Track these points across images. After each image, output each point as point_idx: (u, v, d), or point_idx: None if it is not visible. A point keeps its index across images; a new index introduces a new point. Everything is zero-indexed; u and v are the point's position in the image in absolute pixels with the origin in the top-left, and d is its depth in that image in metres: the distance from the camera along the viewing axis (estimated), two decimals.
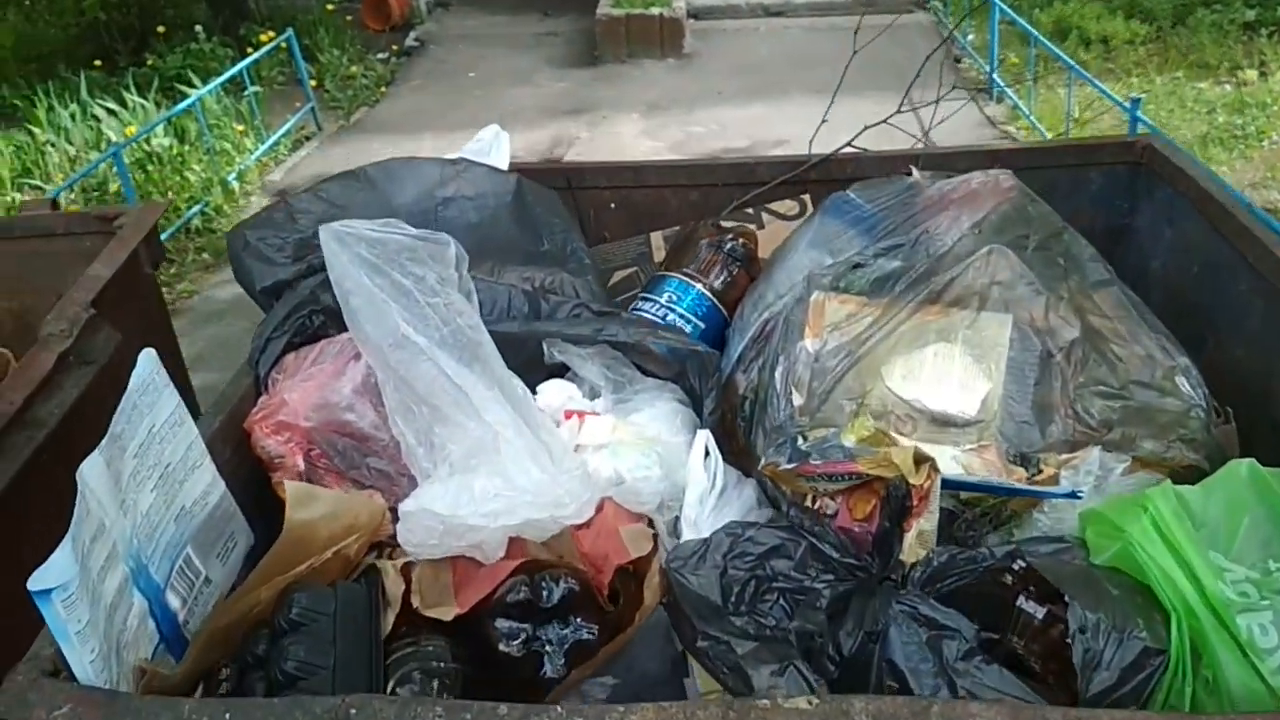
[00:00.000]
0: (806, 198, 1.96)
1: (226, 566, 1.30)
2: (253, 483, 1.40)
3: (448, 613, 1.16)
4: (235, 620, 1.17)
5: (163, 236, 5.50)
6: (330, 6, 9.04)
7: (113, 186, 5.76)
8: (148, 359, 1.17)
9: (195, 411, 2.14)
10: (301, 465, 1.35)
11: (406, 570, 1.17)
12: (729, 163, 2.09)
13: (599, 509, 1.30)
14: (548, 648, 1.14)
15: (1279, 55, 7.53)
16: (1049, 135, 6.36)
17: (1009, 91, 7.11)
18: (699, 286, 1.68)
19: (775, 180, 2.02)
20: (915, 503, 1.24)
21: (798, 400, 1.34)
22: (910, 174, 1.66)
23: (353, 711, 0.93)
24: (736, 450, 1.50)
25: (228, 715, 0.94)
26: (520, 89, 8.14)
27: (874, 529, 1.26)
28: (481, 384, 1.25)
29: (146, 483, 1.16)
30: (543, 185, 2.04)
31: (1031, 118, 6.61)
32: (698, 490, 1.39)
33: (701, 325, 1.67)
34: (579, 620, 1.16)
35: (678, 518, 1.39)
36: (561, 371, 1.55)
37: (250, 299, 1.72)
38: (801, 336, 1.41)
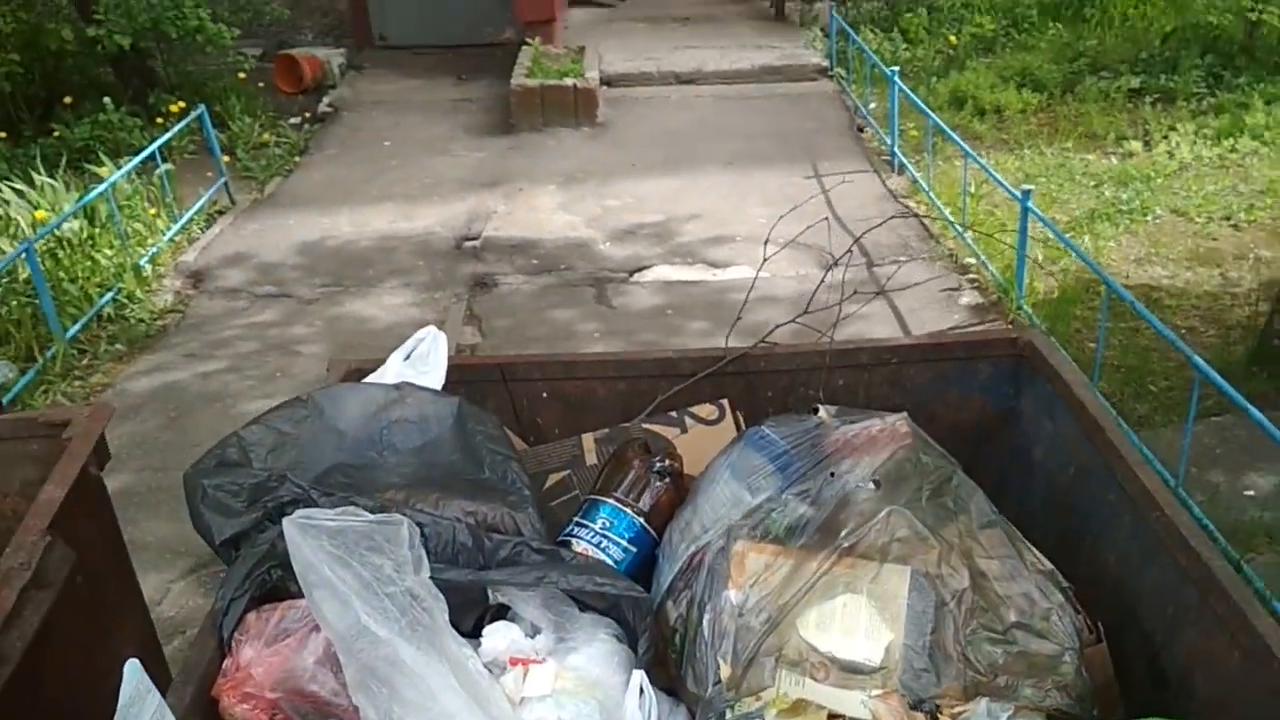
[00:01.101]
0: (725, 403, 2.13)
1: None
2: None
3: None
4: None
5: (74, 328, 5.50)
6: (241, 75, 9.01)
7: (22, 274, 5.70)
8: (133, 671, 1.27)
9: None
10: None
11: None
12: (653, 358, 2.25)
13: None
14: None
15: (1161, 125, 8.00)
16: (946, 210, 6.69)
17: (909, 165, 7.43)
18: (630, 513, 1.83)
19: (696, 375, 2.19)
20: None
21: (725, 672, 1.49)
22: (817, 412, 1.84)
23: None
24: (667, 678, 1.66)
25: None
26: (437, 159, 8.24)
27: None
28: (436, 670, 1.38)
29: None
30: (480, 378, 2.19)
31: (930, 193, 6.93)
32: None
33: (633, 550, 1.82)
34: None
35: None
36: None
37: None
38: (725, 586, 1.57)
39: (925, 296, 5.77)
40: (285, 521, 1.48)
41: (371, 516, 1.48)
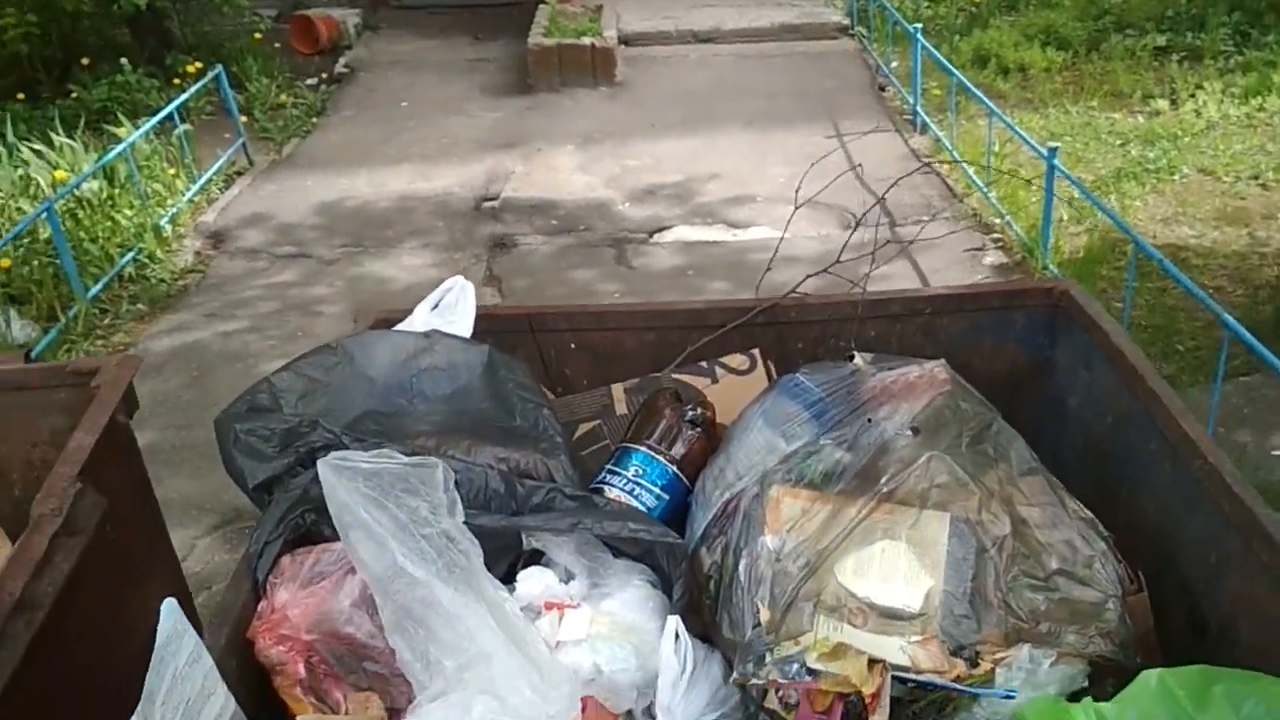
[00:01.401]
0: (756, 353, 2.11)
1: None
2: (255, 685, 1.50)
3: None
4: None
5: (95, 287, 5.51)
6: (257, 35, 8.95)
7: (43, 234, 5.70)
8: (170, 610, 1.26)
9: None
10: (303, 672, 1.46)
11: None
12: (682, 308, 2.23)
13: (582, 708, 1.43)
14: None
15: (1188, 84, 7.87)
16: (971, 170, 6.61)
17: (932, 124, 7.34)
18: (662, 460, 1.82)
19: (726, 326, 2.16)
20: (869, 702, 1.39)
21: (764, 616, 1.48)
22: (853, 359, 1.82)
23: None
24: (702, 624, 1.64)
25: None
26: (453, 119, 8.18)
27: None
28: (473, 611, 1.37)
29: None
30: (508, 329, 2.17)
31: (954, 152, 6.84)
32: (670, 676, 1.53)
33: (666, 497, 1.80)
34: None
35: (651, 703, 1.53)
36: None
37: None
38: (762, 532, 1.56)
39: (949, 256, 5.71)
40: (320, 463, 1.47)
41: (407, 459, 1.47)
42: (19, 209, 6.01)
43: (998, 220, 5.98)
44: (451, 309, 2.13)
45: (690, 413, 1.86)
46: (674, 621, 1.56)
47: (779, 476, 1.61)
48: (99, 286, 5.55)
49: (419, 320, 2.13)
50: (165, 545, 2.29)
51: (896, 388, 1.70)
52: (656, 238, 6.30)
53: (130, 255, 5.83)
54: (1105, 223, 5.65)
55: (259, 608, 1.53)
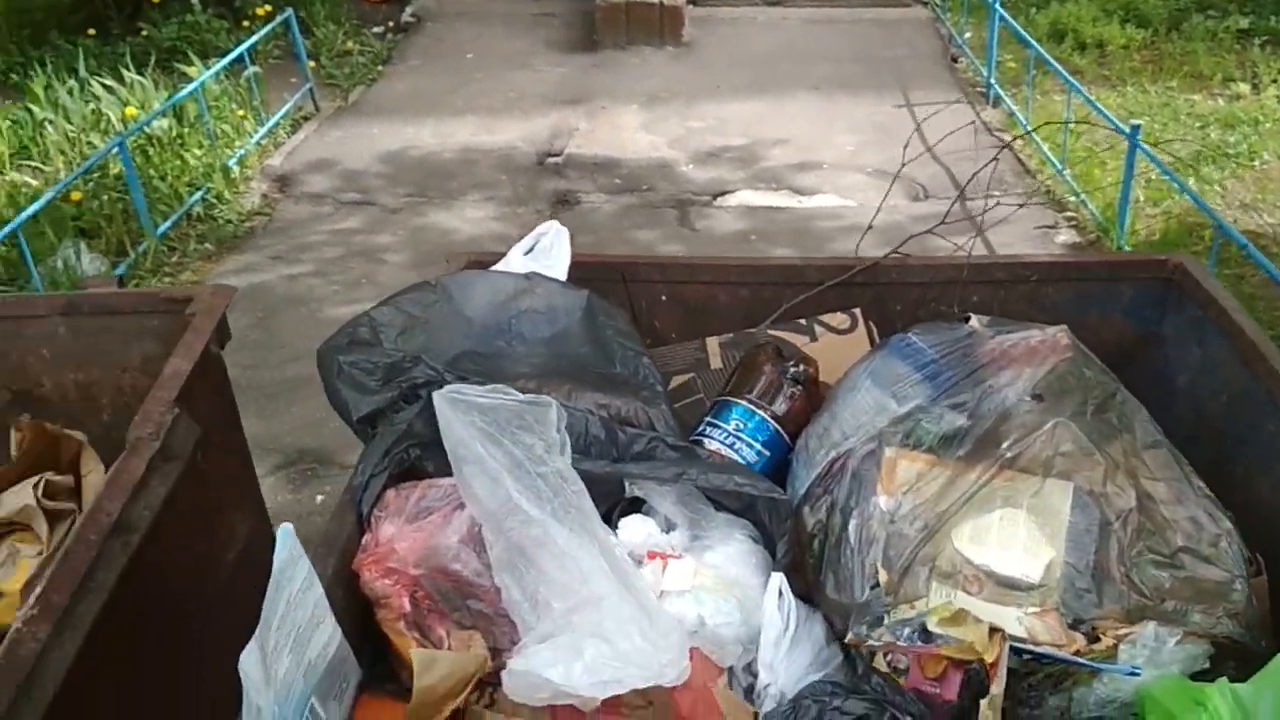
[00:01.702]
0: (857, 312, 2.06)
1: (342, 706, 1.39)
2: (358, 617, 1.49)
3: None
4: None
5: (164, 225, 5.54)
6: None
7: (113, 169, 5.73)
8: (286, 537, 1.25)
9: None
10: (408, 606, 1.44)
11: None
12: (778, 264, 2.18)
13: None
14: None
15: (1271, 69, 7.64)
16: (1046, 147, 6.46)
17: (1005, 97, 7.19)
18: (763, 414, 1.78)
19: (824, 284, 2.11)
20: (990, 670, 1.35)
21: (883, 578, 1.44)
22: (969, 320, 1.76)
23: None
24: (804, 584, 1.61)
25: None
26: (519, 73, 8.12)
27: (944, 689, 1.38)
28: (587, 552, 1.35)
29: (284, 650, 1.25)
30: (599, 277, 2.13)
31: (1028, 127, 6.68)
32: (774, 633, 1.50)
33: (766, 454, 1.77)
34: None
35: (752, 660, 1.50)
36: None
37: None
38: (874, 493, 1.52)
39: (1020, 233, 5.58)
40: (436, 396, 1.44)
41: (521, 396, 1.44)
42: (89, 143, 6.05)
43: (1072, 198, 5.84)
44: (546, 253, 2.10)
45: (792, 369, 1.82)
46: (778, 578, 1.53)
47: (894, 439, 1.56)
48: (168, 224, 5.58)
49: (514, 264, 2.10)
50: (251, 478, 2.29)
51: (1017, 352, 1.65)
52: (720, 201, 6.23)
53: (199, 195, 5.85)
54: (1183, 206, 5.50)
55: (363, 540, 1.51)
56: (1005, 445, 1.53)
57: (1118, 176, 5.48)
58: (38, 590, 1.49)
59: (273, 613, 1.23)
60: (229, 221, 5.87)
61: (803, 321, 2.05)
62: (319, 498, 3.82)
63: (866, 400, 1.69)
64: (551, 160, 6.85)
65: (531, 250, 2.16)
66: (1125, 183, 5.25)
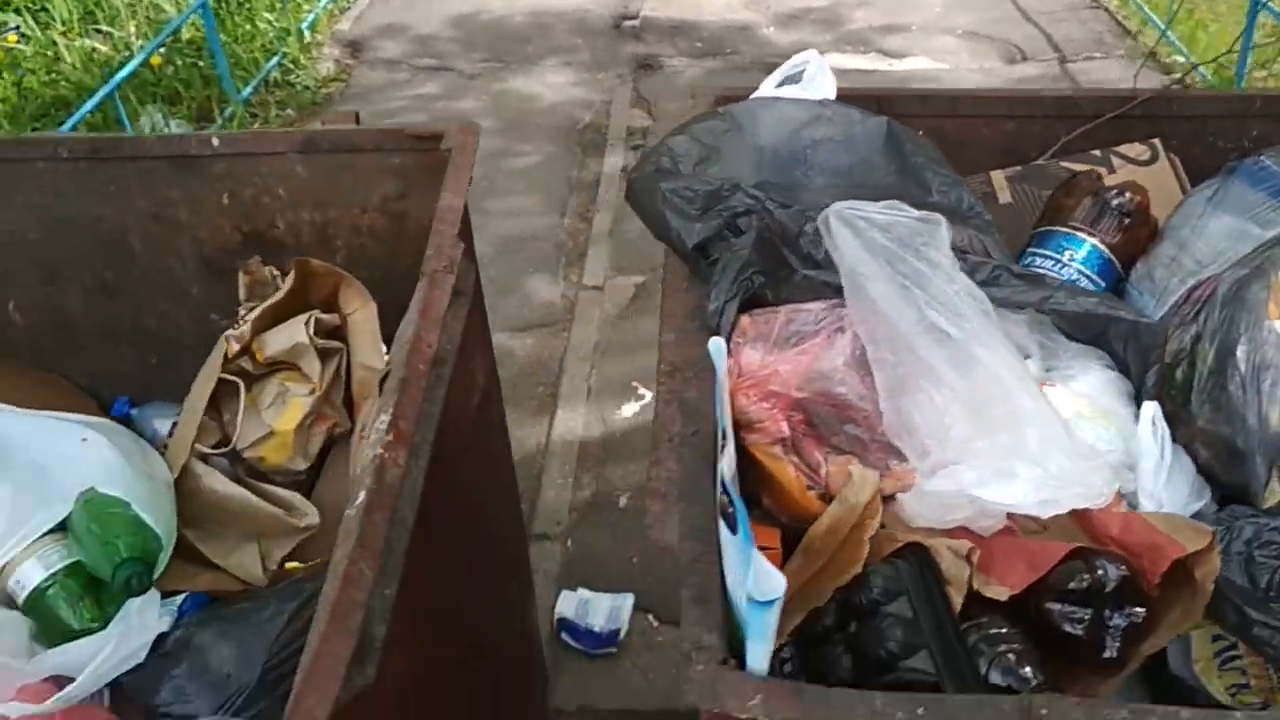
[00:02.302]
0: (1157, 143, 1.95)
1: None
2: None
3: (1002, 593, 1.21)
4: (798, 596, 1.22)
5: (246, 89, 5.36)
6: None
7: (185, 34, 5.53)
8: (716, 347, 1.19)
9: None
10: (786, 430, 1.38)
11: (970, 555, 1.22)
12: (1050, 95, 2.06)
13: None
14: (1108, 631, 1.21)
15: None
16: (1145, 7, 6.22)
17: None
18: (1093, 241, 1.69)
19: (1108, 114, 1.99)
20: None
21: None
22: None
23: (1043, 711, 0.99)
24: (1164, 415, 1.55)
25: (920, 710, 1.00)
26: None
27: None
28: (1008, 369, 1.28)
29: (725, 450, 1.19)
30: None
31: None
32: (1151, 462, 1.44)
33: (1101, 283, 1.69)
34: (1130, 605, 1.22)
35: (1132, 491, 1.45)
36: None
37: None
38: (1265, 317, 1.44)
39: None
40: (830, 213, 1.35)
41: (915, 213, 1.35)
42: (155, 4, 5.81)
43: (1180, 59, 5.63)
44: (811, 82, 1.98)
45: (1118, 198, 1.73)
46: (1152, 407, 1.47)
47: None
48: (249, 89, 5.40)
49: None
50: (486, 325, 2.21)
51: None
52: None
53: (275, 60, 5.65)
54: None
55: (731, 366, 1.44)
56: None
57: (1222, 38, 5.27)
58: (385, 418, 1.44)
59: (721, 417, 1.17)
60: (306, 88, 5.69)
61: (1097, 153, 1.94)
62: None
63: (1218, 226, 1.60)
64: (628, 23, 6.61)
65: (786, 82, 2.04)
66: (1245, 39, 5.03)
